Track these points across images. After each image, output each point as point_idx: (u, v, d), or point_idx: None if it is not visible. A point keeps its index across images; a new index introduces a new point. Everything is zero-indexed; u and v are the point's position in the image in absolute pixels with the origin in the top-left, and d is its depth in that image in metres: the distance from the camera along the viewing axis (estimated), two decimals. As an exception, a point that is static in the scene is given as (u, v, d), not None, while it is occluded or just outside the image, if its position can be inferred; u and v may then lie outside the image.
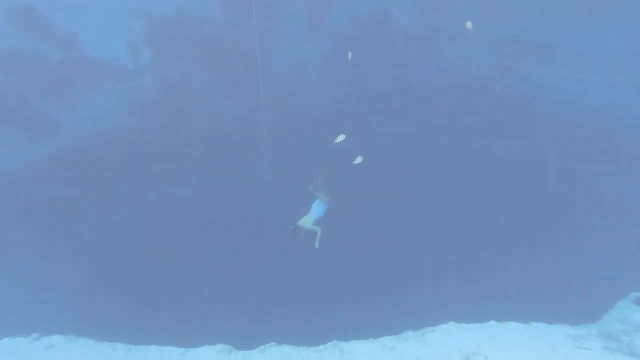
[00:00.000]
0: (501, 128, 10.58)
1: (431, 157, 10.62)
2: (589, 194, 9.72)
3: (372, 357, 5.54)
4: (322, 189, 7.20)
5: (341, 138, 7.13)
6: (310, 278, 8.89)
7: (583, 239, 8.80)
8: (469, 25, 8.08)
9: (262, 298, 8.72)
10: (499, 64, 10.43)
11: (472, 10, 9.86)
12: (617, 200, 9.50)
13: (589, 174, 10.00)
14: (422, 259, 8.74)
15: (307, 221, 6.95)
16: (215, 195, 10.08)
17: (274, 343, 6.45)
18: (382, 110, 10.66)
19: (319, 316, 7.78)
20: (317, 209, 7.07)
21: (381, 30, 10.30)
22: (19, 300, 8.58)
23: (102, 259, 9.27)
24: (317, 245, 6.69)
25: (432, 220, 9.65)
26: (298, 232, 6.78)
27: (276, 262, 9.15)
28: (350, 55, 8.73)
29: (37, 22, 8.00)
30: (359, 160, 7.28)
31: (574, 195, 9.74)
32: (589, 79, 9.94)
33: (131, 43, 8.73)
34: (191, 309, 8.53)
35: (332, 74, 10.68)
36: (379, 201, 10.01)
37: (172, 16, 8.92)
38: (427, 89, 10.91)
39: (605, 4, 9.50)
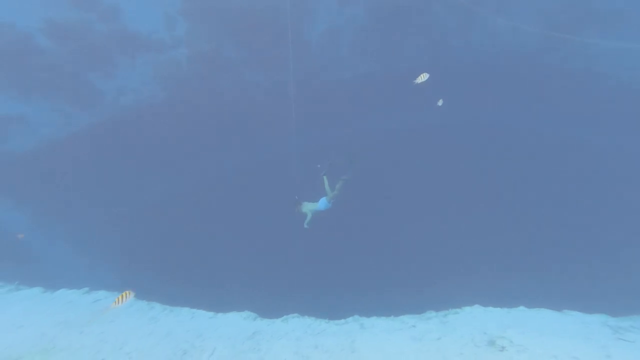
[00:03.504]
0: (554, 106, 9.69)
1: (473, 135, 10.04)
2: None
3: (392, 333, 5.50)
4: (334, 184, 7.09)
5: (423, 77, 6.76)
6: (336, 255, 8.96)
7: (633, 223, 7.95)
8: None
9: (288, 272, 8.97)
10: (551, 36, 9.38)
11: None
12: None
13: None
14: (451, 240, 8.46)
15: (308, 206, 6.98)
16: (244, 168, 10.37)
17: (296, 314, 6.65)
18: (419, 85, 10.16)
19: (342, 292, 7.87)
20: (322, 203, 7.05)
21: (421, 2, 9.70)
22: (74, 258, 9.57)
23: (145, 226, 10.00)
24: (306, 225, 6.77)
25: (467, 200, 9.23)
26: (297, 205, 6.87)
27: (304, 239, 9.30)
28: None
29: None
30: (440, 102, 7.15)
31: (629, 179, 8.78)
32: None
33: (167, 16, 9.00)
34: (222, 279, 9.00)
35: (366, 47, 10.27)
36: (410, 178, 9.74)
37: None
38: (469, 63, 10.18)
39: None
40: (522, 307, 5.49)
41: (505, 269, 7.43)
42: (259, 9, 9.11)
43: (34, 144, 9.24)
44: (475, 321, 5.30)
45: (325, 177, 7.08)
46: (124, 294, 4.69)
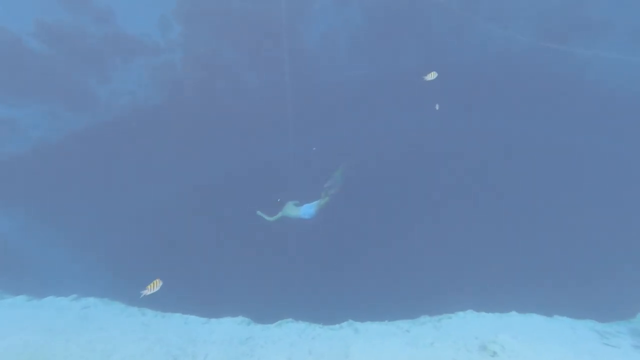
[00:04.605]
0: (542, 112, 9.93)
1: (463, 141, 10.21)
2: (633, 184, 8.98)
3: (387, 337, 5.55)
4: (330, 191, 7.02)
5: (432, 76, 6.75)
6: (328, 259, 8.99)
7: (621, 231, 8.19)
8: None
9: (281, 277, 8.96)
10: (542, 45, 9.60)
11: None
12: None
13: (635, 164, 9.23)
14: (444, 244, 8.57)
15: (288, 209, 6.91)
16: (239, 172, 10.33)
17: (290, 319, 6.65)
18: (413, 89, 10.27)
19: (335, 296, 7.90)
20: (307, 210, 6.95)
21: (415, 5, 9.81)
22: (66, 264, 9.38)
23: (136, 231, 9.86)
24: (259, 213, 6.75)
25: (461, 205, 9.37)
26: (280, 205, 6.88)
27: (296, 243, 9.32)
28: None
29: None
30: (437, 107, 7.24)
31: (615, 185, 9.04)
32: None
33: (162, 18, 8.91)
34: (214, 284, 8.94)
35: (362, 50, 10.35)
36: (405, 182, 9.83)
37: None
38: (463, 68, 10.33)
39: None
40: (513, 312, 5.60)
41: (497, 274, 7.57)
42: (254, 11, 9.11)
43: (25, 147, 9.04)
44: (468, 326, 5.39)
45: (327, 189, 6.99)
46: (154, 281, 4.83)
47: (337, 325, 6.22)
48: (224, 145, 10.27)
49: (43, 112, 9.04)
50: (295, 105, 9.15)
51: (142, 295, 4.89)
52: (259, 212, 6.91)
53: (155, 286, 4.90)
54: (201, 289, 8.48)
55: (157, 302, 7.22)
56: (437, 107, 7.35)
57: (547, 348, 4.76)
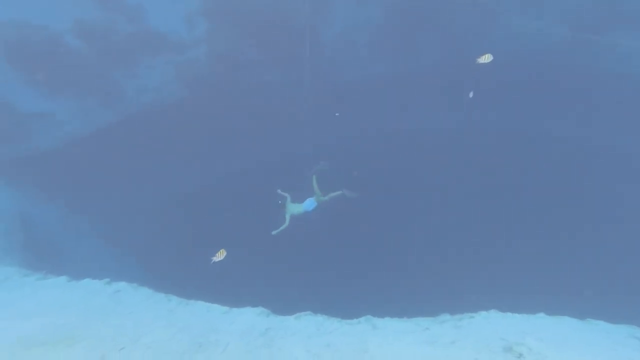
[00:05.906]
0: (580, 110, 9.34)
1: (494, 137, 9.83)
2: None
3: (405, 335, 5.42)
4: (319, 185, 7.09)
5: (487, 58, 6.39)
6: (348, 254, 8.94)
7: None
8: None
9: (301, 271, 9.02)
10: (580, 38, 9.04)
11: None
12: None
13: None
14: (469, 242, 8.28)
15: (292, 208, 6.97)
16: (261, 167, 10.51)
17: (309, 312, 6.68)
18: (436, 86, 10.00)
19: (354, 291, 7.86)
20: (307, 203, 7.03)
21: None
22: (99, 250, 9.99)
23: (165, 222, 10.31)
24: (274, 232, 6.80)
25: (487, 200, 9.02)
26: (282, 207, 6.93)
27: (317, 238, 9.34)
28: None
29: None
30: (471, 94, 7.18)
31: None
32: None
33: (188, 16, 9.21)
34: (236, 275, 9.15)
35: (383, 47, 10.20)
36: (426, 178, 9.61)
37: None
38: (489, 65, 9.92)
39: None
40: (542, 314, 5.27)
41: (524, 272, 7.20)
42: (277, 10, 9.20)
43: (62, 140, 9.67)
44: (491, 326, 5.14)
45: (314, 177, 7.09)
46: (220, 251, 5.46)
47: (355, 320, 6.16)
48: (244, 140, 10.49)
49: (76, 106, 9.62)
50: (315, 101, 9.18)
51: (212, 262, 5.65)
52: (274, 233, 7.00)
53: (221, 255, 5.66)
54: (224, 279, 8.70)
55: (182, 290, 7.52)
56: (470, 94, 7.13)
57: (580, 353, 4.44)
